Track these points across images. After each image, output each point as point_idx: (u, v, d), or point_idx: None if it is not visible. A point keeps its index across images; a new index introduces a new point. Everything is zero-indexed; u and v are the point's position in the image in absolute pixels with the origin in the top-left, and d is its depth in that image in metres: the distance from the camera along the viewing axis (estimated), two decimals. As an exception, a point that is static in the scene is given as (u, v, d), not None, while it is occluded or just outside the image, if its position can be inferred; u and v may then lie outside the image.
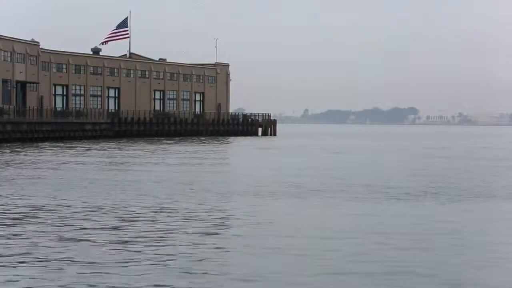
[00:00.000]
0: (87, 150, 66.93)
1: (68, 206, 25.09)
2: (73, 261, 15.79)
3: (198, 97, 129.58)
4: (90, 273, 14.66)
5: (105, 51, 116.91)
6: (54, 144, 78.12)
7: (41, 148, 67.82)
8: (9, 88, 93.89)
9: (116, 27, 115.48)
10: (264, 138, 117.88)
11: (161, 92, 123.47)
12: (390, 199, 28.20)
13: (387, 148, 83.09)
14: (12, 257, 16.14)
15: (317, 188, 32.29)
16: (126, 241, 18.31)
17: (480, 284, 14.38)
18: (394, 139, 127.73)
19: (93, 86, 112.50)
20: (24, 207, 24.95)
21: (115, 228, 20.53)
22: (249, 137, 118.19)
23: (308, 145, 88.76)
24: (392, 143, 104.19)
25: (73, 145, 75.43)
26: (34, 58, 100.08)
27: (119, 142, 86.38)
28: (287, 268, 15.43)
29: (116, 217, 22.62)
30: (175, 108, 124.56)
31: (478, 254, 17.32)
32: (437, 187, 33.17)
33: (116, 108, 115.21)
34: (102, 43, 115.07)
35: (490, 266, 16.02)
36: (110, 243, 17.98)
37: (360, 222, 22.49)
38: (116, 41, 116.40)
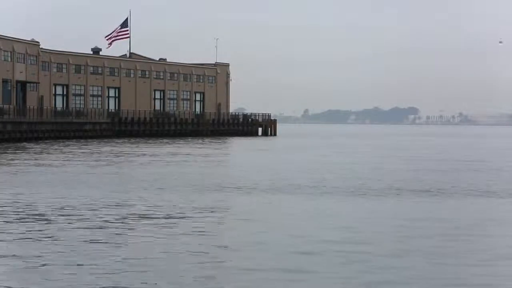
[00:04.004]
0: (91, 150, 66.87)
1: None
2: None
3: (198, 97, 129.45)
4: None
5: (105, 51, 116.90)
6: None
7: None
8: (9, 88, 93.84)
9: (120, 26, 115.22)
10: (264, 138, 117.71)
11: (161, 92, 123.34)
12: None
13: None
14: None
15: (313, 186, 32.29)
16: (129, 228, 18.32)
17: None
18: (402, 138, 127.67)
19: (93, 86, 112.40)
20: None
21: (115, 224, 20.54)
22: (249, 137, 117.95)
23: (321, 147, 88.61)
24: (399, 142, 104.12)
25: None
26: (34, 58, 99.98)
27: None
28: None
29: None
30: (175, 108, 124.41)
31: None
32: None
33: (116, 108, 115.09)
34: (108, 42, 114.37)
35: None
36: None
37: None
38: (116, 41, 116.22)
